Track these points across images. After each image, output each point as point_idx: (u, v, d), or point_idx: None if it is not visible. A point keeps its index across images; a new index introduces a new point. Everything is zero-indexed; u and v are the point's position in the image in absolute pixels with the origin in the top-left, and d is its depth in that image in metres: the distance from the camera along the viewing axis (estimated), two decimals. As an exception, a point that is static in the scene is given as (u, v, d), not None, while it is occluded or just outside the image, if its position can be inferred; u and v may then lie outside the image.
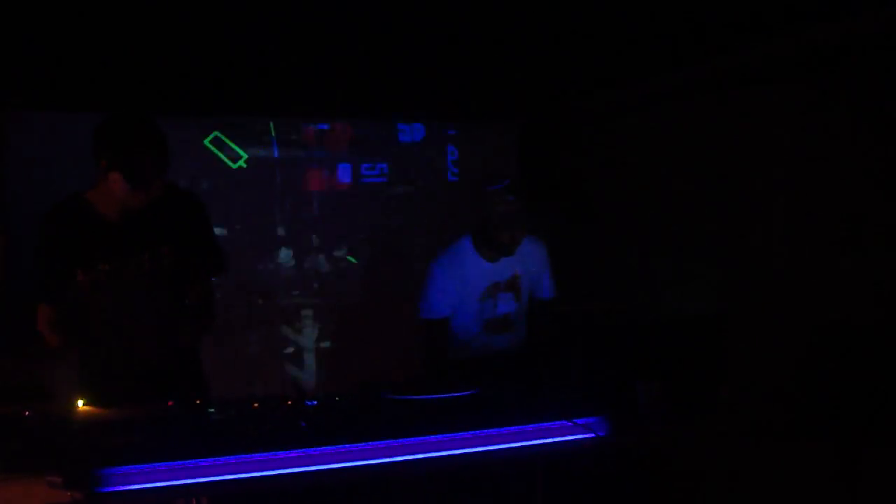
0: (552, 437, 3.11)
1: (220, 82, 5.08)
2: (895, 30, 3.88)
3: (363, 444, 2.83)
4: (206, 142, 5.95)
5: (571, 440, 3.12)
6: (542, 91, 5.71)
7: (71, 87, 5.07)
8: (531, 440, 3.09)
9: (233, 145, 6.02)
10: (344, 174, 6.35)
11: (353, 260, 6.36)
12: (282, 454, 2.73)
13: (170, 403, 2.97)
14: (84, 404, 2.90)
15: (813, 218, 4.36)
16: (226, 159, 6.00)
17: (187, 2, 3.66)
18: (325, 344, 6.28)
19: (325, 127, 6.29)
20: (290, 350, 6.22)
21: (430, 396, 3.12)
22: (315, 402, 3.03)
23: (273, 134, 6.16)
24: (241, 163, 6.04)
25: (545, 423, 3.10)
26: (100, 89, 5.10)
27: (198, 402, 3.00)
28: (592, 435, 3.11)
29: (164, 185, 3.39)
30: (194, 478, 2.64)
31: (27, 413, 2.80)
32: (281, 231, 6.20)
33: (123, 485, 2.56)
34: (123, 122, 3.25)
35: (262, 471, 2.71)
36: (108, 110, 4.92)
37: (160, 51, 4.40)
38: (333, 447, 2.79)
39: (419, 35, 4.27)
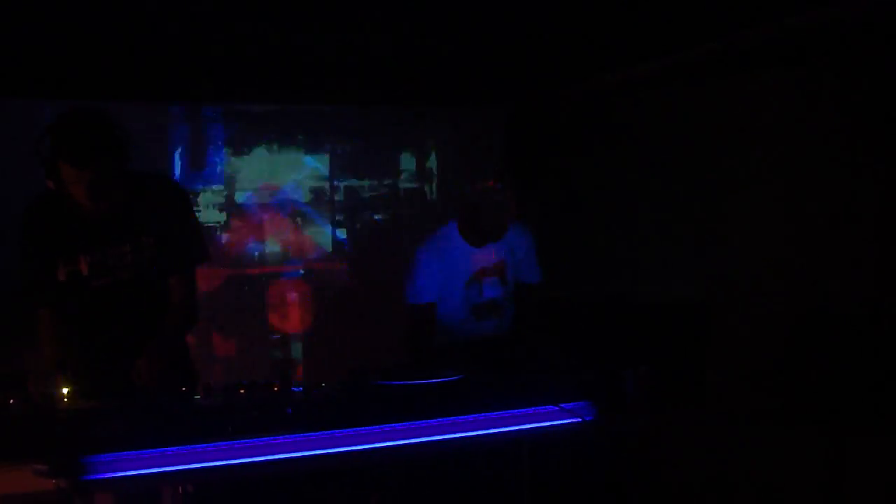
0: (539, 421, 3.12)
1: (201, 67, 5.04)
2: (882, 16, 3.88)
3: (349, 429, 2.83)
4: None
5: (558, 424, 3.13)
6: (527, 77, 5.70)
7: (48, 72, 5.00)
8: (518, 425, 3.10)
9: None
10: (328, 159, 6.32)
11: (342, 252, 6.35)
12: (268, 440, 2.73)
13: None
14: (69, 392, 2.89)
15: (799, 205, 4.37)
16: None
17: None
18: (312, 330, 6.26)
19: (310, 111, 6.27)
20: (277, 336, 6.21)
21: (416, 382, 3.12)
22: (301, 389, 3.02)
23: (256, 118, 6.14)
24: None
25: (532, 408, 3.11)
26: (79, 75, 5.04)
27: (183, 388, 2.99)
28: (579, 419, 3.12)
29: (140, 175, 3.37)
30: (180, 465, 2.63)
31: (12, 401, 2.79)
32: (267, 218, 6.18)
33: (109, 472, 2.55)
34: (64, 144, 3.08)
35: (248, 457, 2.70)
36: (88, 98, 4.91)
37: (142, 34, 4.36)
38: (319, 433, 2.79)
39: (404, 18, 4.26)
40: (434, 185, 6.48)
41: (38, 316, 3.38)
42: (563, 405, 3.11)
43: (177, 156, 5.91)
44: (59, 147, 3.06)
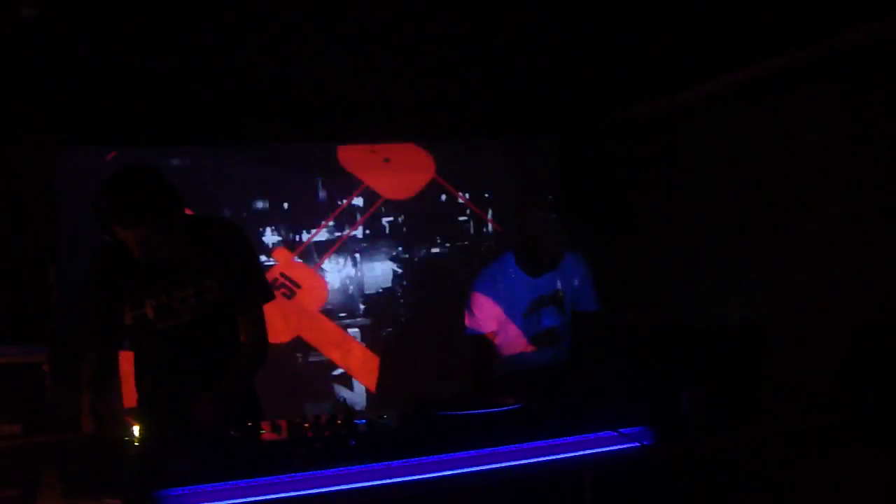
0: (598, 447, 3.14)
1: (262, 110, 5.15)
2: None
3: (411, 459, 2.88)
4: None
5: (617, 450, 3.14)
6: (580, 104, 5.73)
7: (119, 122, 5.17)
8: (577, 451, 3.11)
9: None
10: (384, 193, 6.40)
11: (398, 274, 6.41)
12: (333, 472, 2.78)
13: None
14: (140, 429, 2.97)
15: (852, 221, 4.35)
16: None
17: (227, 34, 3.74)
18: (373, 364, 6.32)
19: (366, 148, 6.36)
20: (339, 371, 6.28)
21: (476, 411, 3.15)
22: (364, 421, 3.08)
23: (314, 158, 6.24)
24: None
25: (591, 434, 3.13)
26: (148, 123, 5.20)
27: (249, 423, 3.06)
28: (638, 444, 3.13)
29: (199, 220, 3.49)
30: (248, 497, 2.69)
31: (86, 439, 2.88)
32: (325, 253, 6.27)
33: (180, 506, 2.63)
34: (112, 205, 3.17)
35: (313, 488, 2.76)
36: (157, 145, 5.06)
37: (205, 83, 4.48)
38: (382, 464, 2.84)
39: (457, 51, 4.31)
40: (491, 216, 6.53)
41: (106, 357, 3.47)
42: (622, 430, 3.12)
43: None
44: (109, 208, 3.16)
